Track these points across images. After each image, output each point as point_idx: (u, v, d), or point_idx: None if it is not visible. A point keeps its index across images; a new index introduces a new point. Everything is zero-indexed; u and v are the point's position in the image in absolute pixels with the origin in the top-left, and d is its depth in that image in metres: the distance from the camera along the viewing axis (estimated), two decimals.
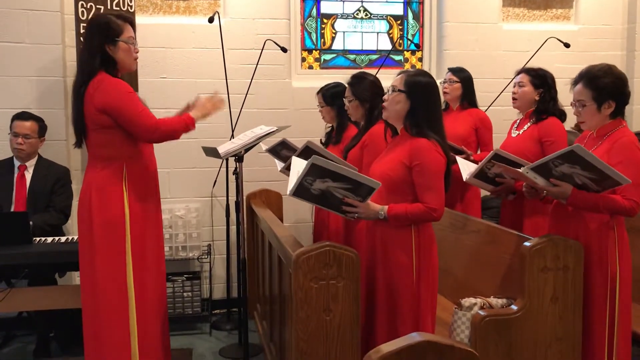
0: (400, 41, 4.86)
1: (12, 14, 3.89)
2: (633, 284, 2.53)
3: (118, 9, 3.85)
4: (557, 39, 4.42)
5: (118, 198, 2.67)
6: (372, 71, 3.62)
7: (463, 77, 3.81)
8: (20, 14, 3.90)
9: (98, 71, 2.64)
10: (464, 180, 3.00)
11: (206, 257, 4.32)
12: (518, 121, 3.34)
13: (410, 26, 4.88)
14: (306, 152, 2.90)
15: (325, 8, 4.74)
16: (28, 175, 3.64)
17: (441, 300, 2.85)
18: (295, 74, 4.62)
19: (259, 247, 3.93)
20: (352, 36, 4.81)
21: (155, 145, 2.84)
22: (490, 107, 4.31)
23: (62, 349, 3.63)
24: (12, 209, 3.56)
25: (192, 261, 4.37)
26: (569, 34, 4.72)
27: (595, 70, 2.49)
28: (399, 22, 4.86)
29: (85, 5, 3.80)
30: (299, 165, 2.40)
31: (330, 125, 3.61)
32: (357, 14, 4.80)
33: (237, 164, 3.37)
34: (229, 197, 4.19)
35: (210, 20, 3.97)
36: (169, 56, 4.31)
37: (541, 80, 3.21)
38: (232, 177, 4.03)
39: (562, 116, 3.21)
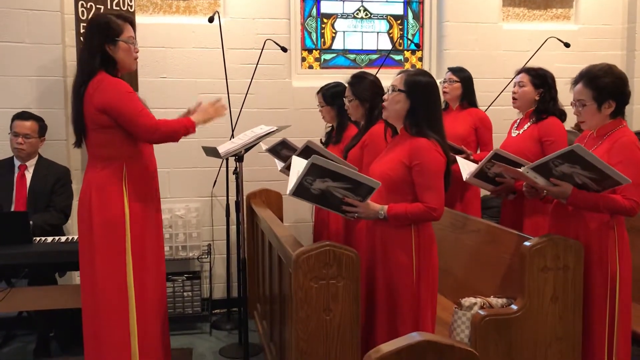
0: (400, 41, 4.86)
1: (12, 13, 3.89)
2: (633, 283, 2.52)
3: (118, 8, 3.85)
4: (557, 39, 4.42)
5: (118, 198, 2.67)
6: (372, 71, 3.61)
7: (463, 76, 3.82)
8: (20, 13, 3.90)
9: (98, 71, 2.64)
10: (464, 180, 3.00)
11: (206, 256, 4.32)
12: (518, 121, 3.34)
13: (410, 26, 4.88)
14: (306, 152, 2.90)
15: (325, 8, 4.74)
16: (28, 175, 3.64)
17: (441, 300, 2.85)
18: (295, 73, 4.62)
19: (259, 246, 3.93)
20: (352, 36, 4.80)
21: (155, 145, 2.84)
22: (490, 107, 4.31)
23: (62, 348, 3.63)
24: (12, 209, 3.56)
25: (192, 261, 4.37)
26: (569, 33, 4.72)
27: (595, 70, 2.49)
28: (399, 21, 4.86)
29: (85, 5, 3.80)
30: (299, 165, 2.40)
31: (331, 125, 3.61)
32: (357, 14, 4.80)
33: (237, 163, 3.37)
34: (229, 197, 4.18)
35: (210, 20, 3.97)
36: (169, 56, 4.31)
37: (541, 80, 3.21)
38: (232, 177, 4.03)
39: (562, 116, 3.21)
